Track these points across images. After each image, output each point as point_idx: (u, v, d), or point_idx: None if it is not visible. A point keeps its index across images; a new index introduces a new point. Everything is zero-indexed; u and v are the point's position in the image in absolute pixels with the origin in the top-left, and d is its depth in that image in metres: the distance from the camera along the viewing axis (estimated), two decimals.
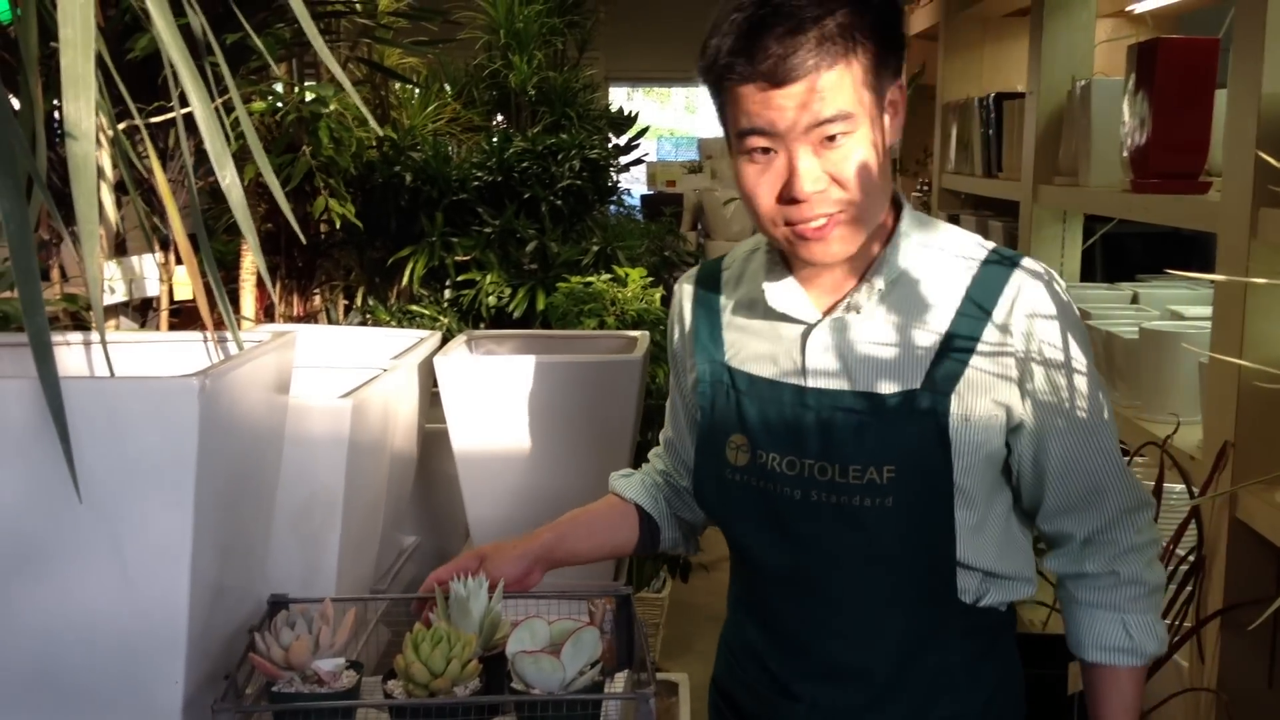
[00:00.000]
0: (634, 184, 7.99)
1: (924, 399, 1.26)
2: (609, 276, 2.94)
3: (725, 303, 1.43)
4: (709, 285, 1.46)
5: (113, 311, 2.12)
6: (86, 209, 1.13)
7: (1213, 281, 1.84)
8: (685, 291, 1.49)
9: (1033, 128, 3.03)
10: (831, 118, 1.19)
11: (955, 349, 1.26)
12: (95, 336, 1.50)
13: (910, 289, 1.30)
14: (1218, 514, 1.74)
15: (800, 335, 1.33)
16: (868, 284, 1.30)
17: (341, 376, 1.84)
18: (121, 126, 1.85)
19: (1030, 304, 1.27)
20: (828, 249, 1.26)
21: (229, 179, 1.17)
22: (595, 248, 3.27)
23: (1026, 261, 1.30)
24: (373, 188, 3.52)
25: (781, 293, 1.34)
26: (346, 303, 3.82)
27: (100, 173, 1.81)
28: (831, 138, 1.21)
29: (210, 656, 1.34)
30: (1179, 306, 2.36)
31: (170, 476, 1.21)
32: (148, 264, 2.17)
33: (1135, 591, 1.32)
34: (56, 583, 1.23)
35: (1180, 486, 1.94)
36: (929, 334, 1.28)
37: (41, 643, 1.25)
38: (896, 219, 1.33)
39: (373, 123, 1.35)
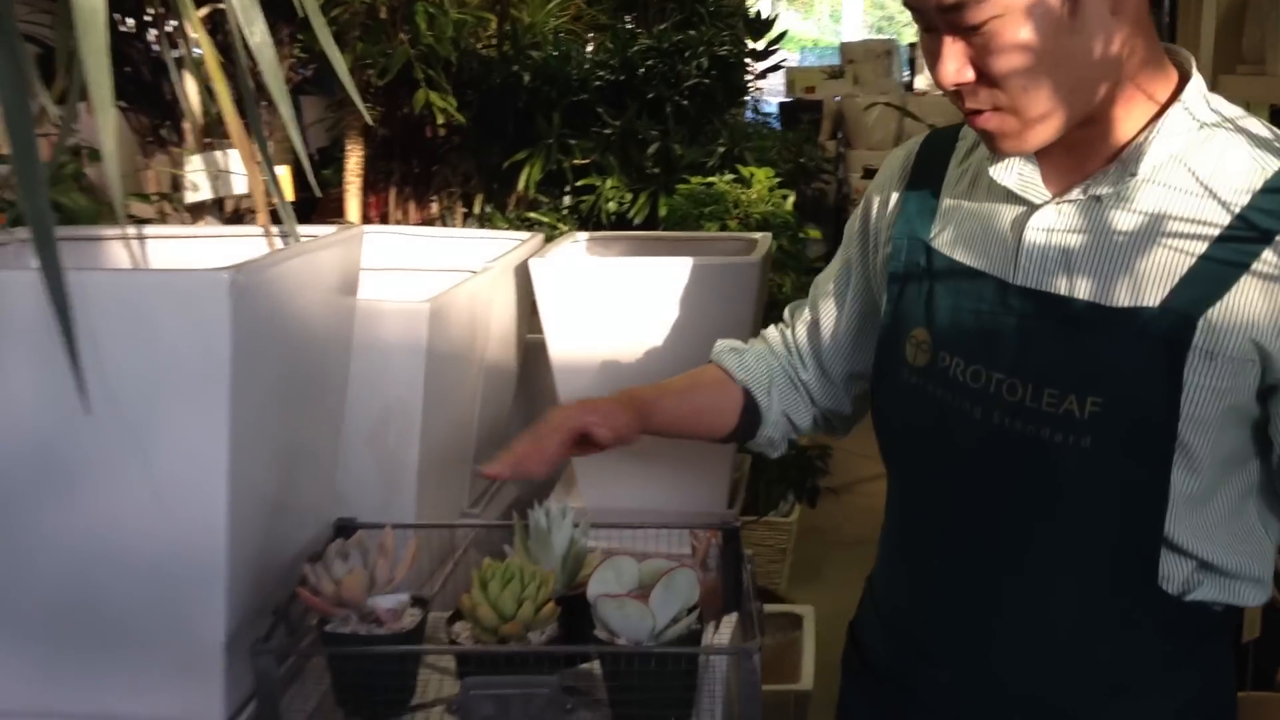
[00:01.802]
0: (772, 95, 7.66)
1: (1161, 320, 1.00)
2: (733, 177, 2.72)
3: (951, 174, 1.19)
4: (935, 153, 1.22)
5: (198, 211, 1.98)
6: (96, 70, 0.97)
7: None
8: (904, 156, 1.25)
9: (1212, 13, 2.70)
10: (960, 2, 0.96)
11: (1218, 266, 0.99)
12: (139, 231, 1.35)
13: (1174, 183, 1.03)
14: None
15: (1019, 218, 1.09)
16: (1119, 167, 1.04)
17: (430, 281, 1.67)
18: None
19: None
20: (1000, 145, 1.03)
21: (258, 36, 0.99)
22: (721, 149, 3.04)
23: None
24: (490, 89, 3.34)
25: (1009, 165, 1.09)
26: (464, 210, 3.67)
27: (181, 60, 1.66)
28: (976, 26, 0.97)
29: (263, 586, 1.19)
30: None
31: (203, 382, 1.05)
32: (235, 160, 2.02)
33: None
34: (83, 499, 1.09)
35: None
36: (1187, 242, 1.01)
37: (70, 565, 1.11)
38: (1176, 94, 1.04)
39: None
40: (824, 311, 1.31)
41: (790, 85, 7.98)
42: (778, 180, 2.71)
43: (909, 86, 8.16)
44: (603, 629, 1.12)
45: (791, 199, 2.79)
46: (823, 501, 3.29)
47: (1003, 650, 1.10)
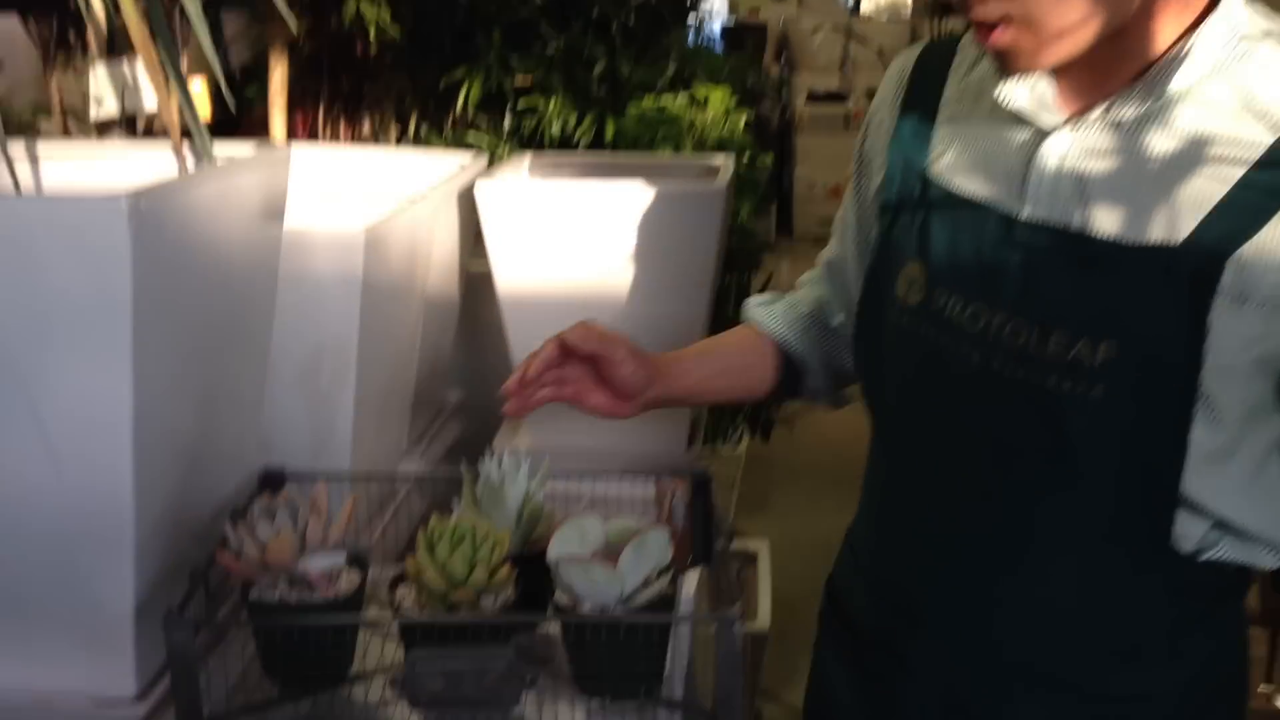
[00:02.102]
0: (716, 18, 7.46)
1: (1186, 258, 0.88)
2: (687, 97, 2.57)
3: (950, 92, 1.06)
4: (933, 67, 1.08)
5: (107, 129, 1.81)
6: None
7: None
8: (898, 72, 1.11)
9: None
10: None
11: (1255, 196, 0.87)
12: (29, 150, 1.19)
13: (1209, 102, 0.90)
14: None
15: (1029, 142, 0.97)
16: (1146, 85, 0.91)
17: (365, 205, 1.53)
18: None
19: None
20: (1010, 63, 0.91)
21: None
22: (673, 68, 2.88)
23: None
24: (425, 2, 3.15)
25: (1019, 83, 0.96)
26: (399, 131, 3.48)
27: None
28: None
29: (178, 547, 1.06)
30: None
31: (100, 322, 0.91)
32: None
33: None
34: None
35: None
36: (1221, 168, 0.88)
37: None
38: (1213, 4, 0.91)
39: None
40: (839, 247, 1.20)
41: (734, 7, 7.78)
42: (735, 100, 2.57)
43: (855, 9, 7.99)
44: (565, 594, 1.00)
45: (745, 120, 2.65)
46: (774, 430, 3.20)
47: (1003, 617, 1.00)
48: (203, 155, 1.13)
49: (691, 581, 1.23)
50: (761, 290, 3.42)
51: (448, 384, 1.95)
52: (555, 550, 1.00)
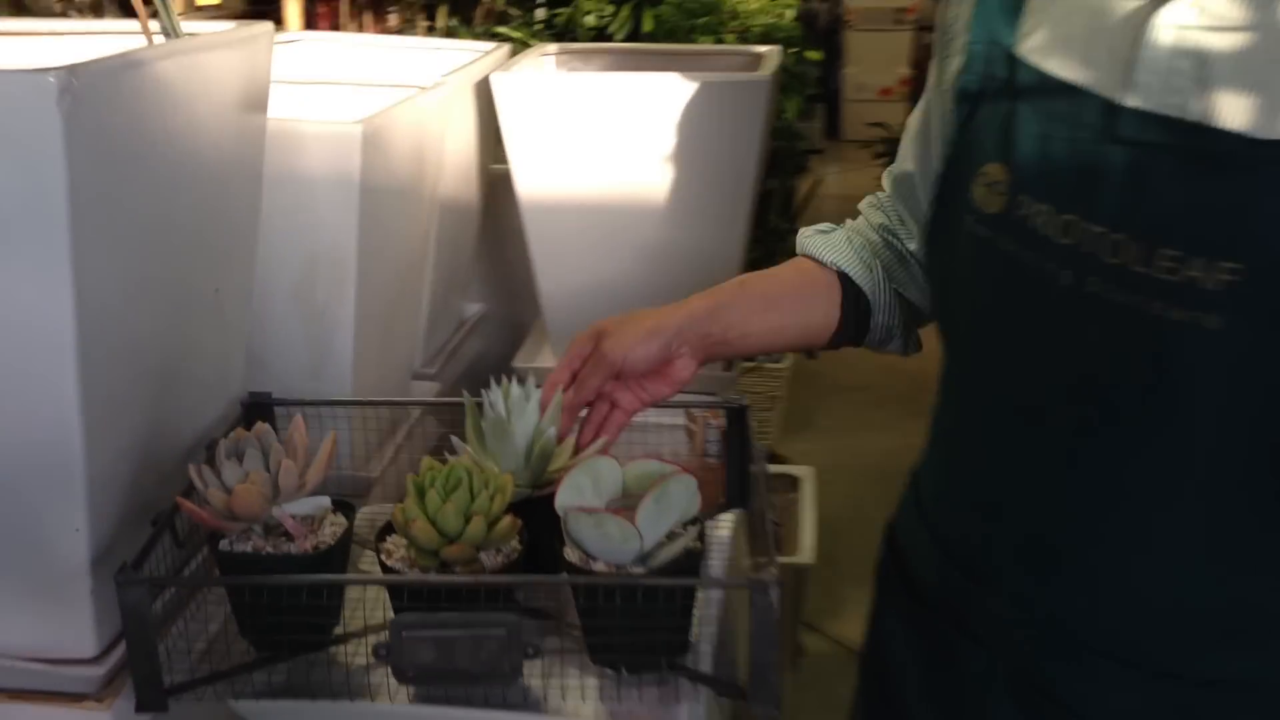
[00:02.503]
0: None
1: None
2: None
3: None
4: None
5: (100, 9, 1.65)
6: None
7: None
8: None
9: None
10: None
11: None
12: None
13: None
14: None
15: (1138, 13, 0.79)
16: None
17: (373, 97, 1.37)
18: None
19: None
20: None
21: None
22: None
23: None
24: None
25: None
26: (428, 24, 3.31)
27: None
28: None
29: (143, 488, 0.94)
30: None
31: (30, 221, 0.78)
32: None
33: None
34: None
35: None
36: None
37: None
38: None
39: None
40: (917, 157, 1.00)
41: None
42: None
43: None
44: (575, 550, 0.87)
45: (793, 6, 2.45)
46: None
47: (1091, 586, 0.86)
48: (169, 32, 0.98)
49: (726, 526, 1.10)
50: (807, 199, 3.24)
51: (468, 296, 1.81)
52: (564, 499, 0.86)
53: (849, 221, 1.05)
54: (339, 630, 0.93)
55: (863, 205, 1.05)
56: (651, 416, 1.11)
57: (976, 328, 0.88)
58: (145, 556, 0.86)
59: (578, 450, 0.97)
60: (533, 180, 1.47)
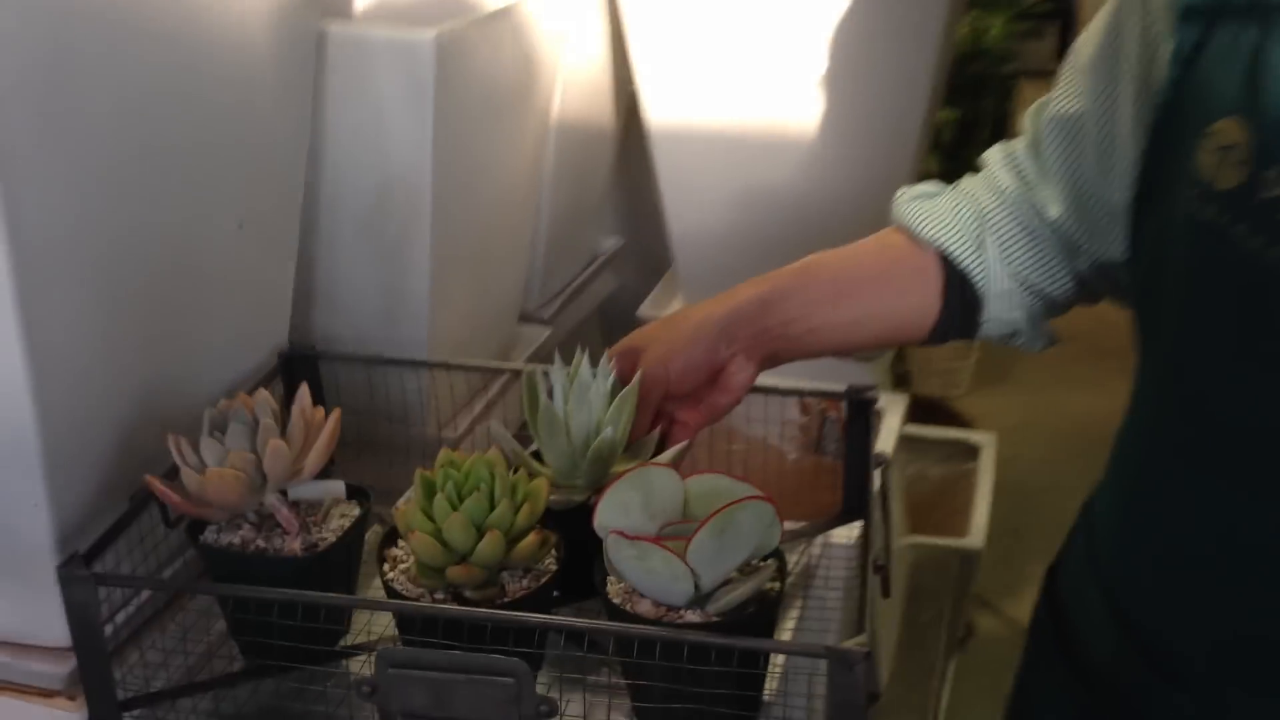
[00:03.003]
0: None
1: None
2: None
3: None
4: None
5: None
6: None
7: None
8: None
9: None
10: None
11: None
12: None
13: None
14: None
15: None
16: None
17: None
18: None
19: None
20: None
21: None
22: None
23: None
24: None
25: None
26: None
27: None
28: None
29: (133, 458, 0.80)
30: None
31: None
32: None
33: None
34: None
35: None
36: None
37: None
38: None
39: None
40: (1082, 97, 0.73)
41: None
42: None
43: None
44: (617, 583, 0.69)
45: None
46: None
47: None
48: None
49: (843, 541, 0.90)
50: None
51: (603, 229, 1.63)
52: (604, 518, 0.68)
53: (964, 180, 0.81)
54: (345, 642, 0.78)
55: (989, 157, 0.81)
56: (759, 412, 0.91)
57: (1189, 334, 0.64)
58: (110, 542, 0.72)
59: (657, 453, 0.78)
60: (664, 105, 1.27)
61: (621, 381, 0.76)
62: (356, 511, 0.77)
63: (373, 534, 0.80)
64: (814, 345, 0.78)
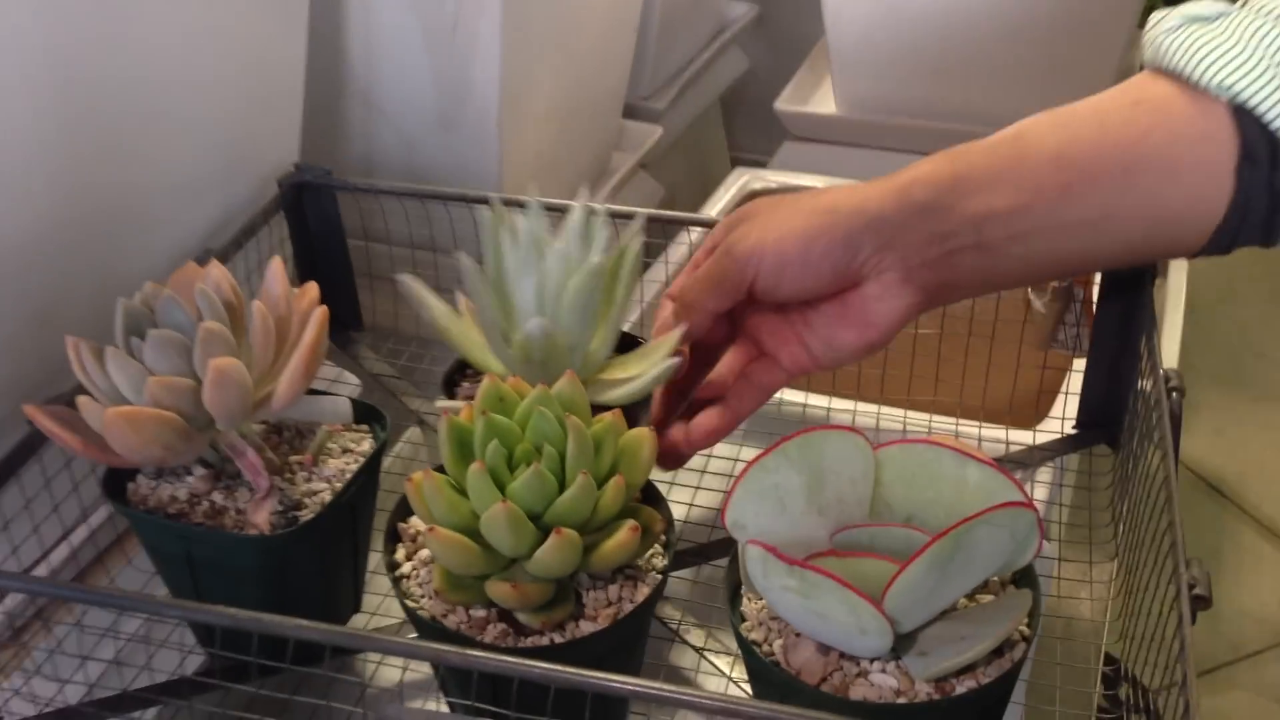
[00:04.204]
0: None
1: None
2: None
3: None
4: None
5: None
6: None
7: None
8: None
9: None
10: None
11: None
12: None
13: None
14: None
15: None
16: None
17: None
18: None
19: None
20: None
21: None
22: None
23: None
24: None
25: None
26: None
27: None
28: None
29: (35, 364, 0.55)
30: None
31: None
32: None
33: None
34: None
35: None
36: None
37: None
38: None
39: None
40: None
41: None
42: None
43: None
44: (752, 604, 0.42)
45: None
46: None
47: None
48: None
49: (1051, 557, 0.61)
50: None
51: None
52: (741, 513, 0.41)
53: None
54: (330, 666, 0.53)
55: None
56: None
57: None
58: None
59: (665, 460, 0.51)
60: None
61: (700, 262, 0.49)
62: (367, 445, 0.52)
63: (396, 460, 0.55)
64: (1018, 263, 0.47)
